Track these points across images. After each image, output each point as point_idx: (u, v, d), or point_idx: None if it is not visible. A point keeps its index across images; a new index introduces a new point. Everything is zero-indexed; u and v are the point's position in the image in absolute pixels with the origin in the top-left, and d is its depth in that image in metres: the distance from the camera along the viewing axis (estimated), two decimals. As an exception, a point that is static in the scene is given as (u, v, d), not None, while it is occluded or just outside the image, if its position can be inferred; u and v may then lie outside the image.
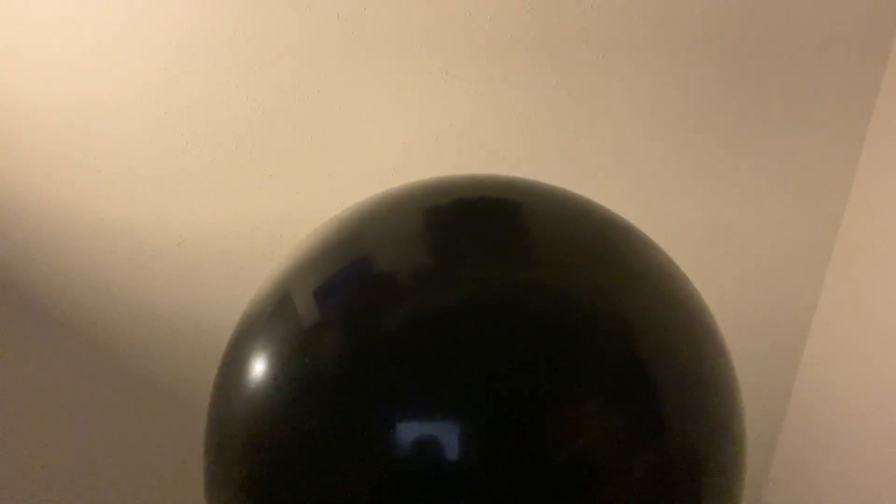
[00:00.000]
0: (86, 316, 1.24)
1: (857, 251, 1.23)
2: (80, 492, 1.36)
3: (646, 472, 0.48)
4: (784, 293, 1.32)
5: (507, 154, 1.20)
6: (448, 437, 0.44)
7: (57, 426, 1.31)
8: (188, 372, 1.30)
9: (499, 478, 0.44)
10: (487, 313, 0.49)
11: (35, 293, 1.21)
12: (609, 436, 0.47)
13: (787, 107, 1.19)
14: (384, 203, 0.61)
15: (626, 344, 0.51)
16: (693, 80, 1.17)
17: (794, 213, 1.26)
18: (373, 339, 0.49)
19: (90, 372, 1.28)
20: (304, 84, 1.13)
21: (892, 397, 1.13)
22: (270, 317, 0.55)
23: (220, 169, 1.17)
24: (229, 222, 1.21)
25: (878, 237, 1.18)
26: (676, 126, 1.20)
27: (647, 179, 1.23)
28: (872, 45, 1.15)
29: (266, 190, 1.19)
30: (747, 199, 1.25)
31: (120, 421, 1.32)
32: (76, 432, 1.32)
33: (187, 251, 1.22)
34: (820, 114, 1.19)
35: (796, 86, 1.18)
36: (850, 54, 1.15)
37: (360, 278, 0.54)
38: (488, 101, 1.16)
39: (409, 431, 0.45)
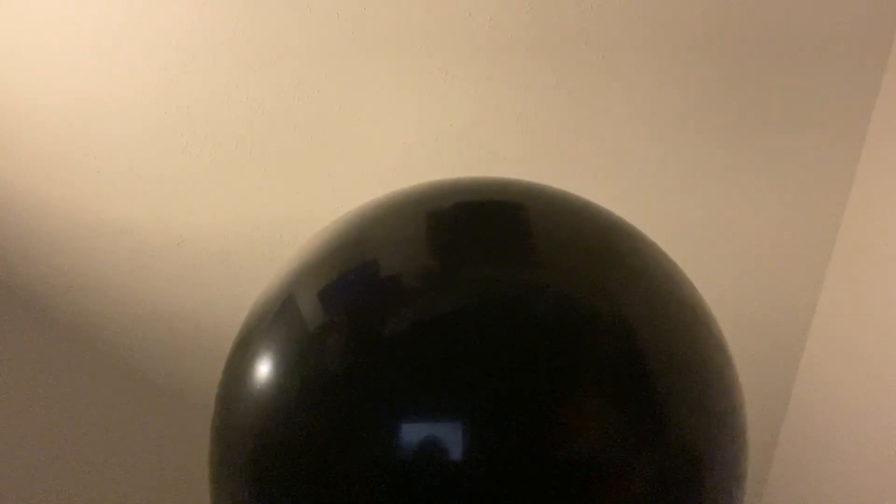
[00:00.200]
0: (86, 316, 1.24)
1: (857, 251, 1.23)
2: (81, 492, 1.36)
3: (647, 472, 0.48)
4: (784, 293, 1.32)
5: (508, 154, 1.20)
6: (451, 437, 0.45)
7: (57, 426, 1.31)
8: (188, 372, 1.30)
9: (501, 478, 0.45)
10: (490, 315, 0.49)
11: (35, 293, 1.21)
12: (611, 436, 0.47)
13: (787, 107, 1.19)
14: (388, 205, 0.62)
15: (628, 345, 0.51)
16: (693, 80, 1.17)
17: (794, 213, 1.26)
18: (377, 340, 0.50)
19: (90, 372, 1.28)
20: (304, 84, 1.13)
21: (892, 397, 1.13)
22: (275, 318, 0.56)
23: (220, 169, 1.17)
24: (229, 222, 1.21)
25: (878, 237, 1.18)
26: (676, 126, 1.20)
27: (646, 179, 1.23)
28: (872, 45, 1.15)
29: (266, 190, 1.19)
30: (747, 199, 1.25)
31: (120, 421, 1.32)
32: (76, 432, 1.32)
33: (187, 251, 1.22)
34: (820, 114, 1.19)
35: (796, 86, 1.18)
36: (850, 54, 1.15)
37: (364, 280, 0.54)
38: (488, 101, 1.16)
39: (412, 432, 0.45)
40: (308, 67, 1.12)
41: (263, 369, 0.53)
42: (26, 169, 1.13)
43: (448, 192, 0.63)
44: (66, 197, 1.15)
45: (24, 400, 1.27)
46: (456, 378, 0.47)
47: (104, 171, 1.15)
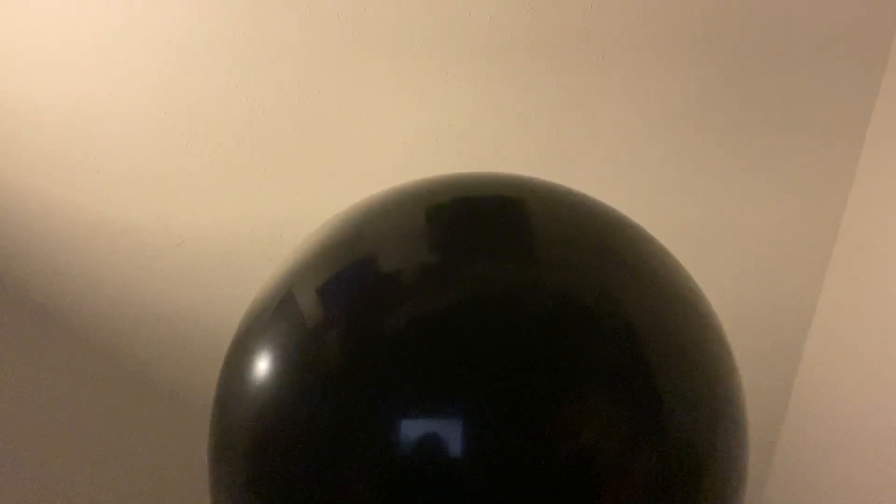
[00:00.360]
0: (86, 316, 1.24)
1: (857, 251, 1.23)
2: (81, 492, 1.36)
3: (648, 469, 0.48)
4: (784, 293, 1.32)
5: (507, 154, 1.20)
6: (451, 434, 0.45)
7: (57, 426, 1.31)
8: (188, 372, 1.30)
9: (501, 474, 0.45)
10: (490, 312, 0.49)
11: (35, 293, 1.21)
12: (611, 433, 0.47)
13: (787, 107, 1.19)
14: (389, 201, 0.62)
15: (628, 342, 0.51)
16: (693, 81, 1.17)
17: (794, 213, 1.26)
18: (376, 336, 0.50)
19: (90, 372, 1.28)
20: (304, 84, 1.13)
21: (892, 397, 1.13)
22: (274, 315, 0.56)
23: (220, 169, 1.17)
24: (229, 222, 1.21)
25: (878, 237, 1.18)
26: (676, 126, 1.20)
27: (646, 179, 1.23)
28: (872, 45, 1.15)
29: (266, 190, 1.19)
30: (747, 199, 1.25)
31: (120, 421, 1.32)
32: (76, 432, 1.32)
33: (187, 251, 1.22)
34: (820, 114, 1.19)
35: (796, 86, 1.18)
36: (850, 54, 1.15)
37: (363, 276, 0.54)
38: (488, 101, 1.16)
39: (411, 429, 0.45)
40: (308, 67, 1.12)
41: (262, 366, 0.53)
42: (26, 169, 1.13)
43: (448, 187, 0.63)
44: (66, 197, 1.15)
45: (24, 400, 1.27)
46: (455, 375, 0.47)
47: (104, 171, 1.15)
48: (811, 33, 1.14)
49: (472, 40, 1.12)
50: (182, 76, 1.10)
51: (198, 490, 1.36)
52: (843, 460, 1.24)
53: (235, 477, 0.54)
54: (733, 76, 1.17)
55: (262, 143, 1.16)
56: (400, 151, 1.19)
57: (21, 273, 1.19)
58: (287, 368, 0.52)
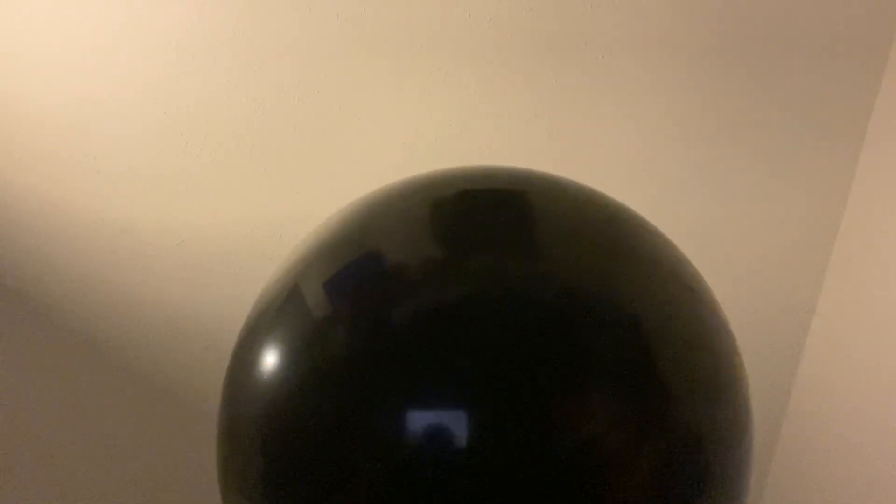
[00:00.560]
0: (86, 316, 1.24)
1: (857, 251, 1.23)
2: (81, 492, 1.36)
3: (653, 461, 0.48)
4: (784, 293, 1.32)
5: (508, 154, 1.20)
6: (458, 426, 0.45)
7: (57, 426, 1.31)
8: (188, 372, 1.30)
9: (506, 465, 0.45)
10: (496, 305, 0.50)
11: (34, 293, 1.21)
12: (616, 426, 0.48)
13: (786, 106, 1.19)
14: (393, 195, 0.62)
15: (633, 334, 0.51)
16: (692, 81, 1.17)
17: (793, 212, 1.26)
18: (383, 329, 0.50)
19: (90, 372, 1.28)
20: (304, 84, 1.13)
21: (892, 397, 1.13)
22: (282, 307, 0.56)
23: (220, 169, 1.17)
24: (229, 222, 1.21)
25: (878, 237, 1.18)
26: (675, 126, 1.20)
27: (645, 180, 1.23)
28: (872, 45, 1.15)
29: (266, 190, 1.19)
30: (747, 198, 1.25)
31: (120, 421, 1.32)
32: (76, 432, 1.32)
33: (187, 251, 1.22)
34: (820, 114, 1.19)
35: (796, 86, 1.18)
36: (850, 54, 1.15)
37: (369, 269, 0.54)
38: (488, 101, 1.16)
39: (418, 421, 0.45)
40: (308, 67, 1.12)
41: (270, 359, 0.53)
42: (26, 169, 1.13)
43: (453, 180, 0.63)
44: (66, 197, 1.15)
45: (24, 400, 1.27)
46: (461, 367, 0.47)
47: (104, 171, 1.15)
48: (811, 33, 1.14)
49: (472, 40, 1.12)
50: (182, 76, 1.10)
51: (198, 490, 1.36)
52: (842, 461, 1.24)
53: (245, 469, 0.54)
54: (733, 76, 1.17)
55: (262, 143, 1.16)
56: (400, 151, 1.19)
57: (21, 273, 1.19)
58: (295, 361, 0.52)
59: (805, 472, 1.35)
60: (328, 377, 0.50)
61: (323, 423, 0.49)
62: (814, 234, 1.28)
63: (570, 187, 0.63)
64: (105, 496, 1.37)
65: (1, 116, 1.09)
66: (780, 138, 1.21)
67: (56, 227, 1.17)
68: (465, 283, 0.51)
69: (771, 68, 1.17)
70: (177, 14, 1.07)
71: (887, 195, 1.16)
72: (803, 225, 1.27)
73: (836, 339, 1.28)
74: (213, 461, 0.59)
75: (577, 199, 0.62)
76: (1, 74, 1.07)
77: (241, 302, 0.63)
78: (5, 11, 1.04)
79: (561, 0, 1.11)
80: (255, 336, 0.57)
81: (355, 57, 1.12)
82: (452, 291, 0.51)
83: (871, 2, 1.12)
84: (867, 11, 1.13)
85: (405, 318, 0.50)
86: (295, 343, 0.53)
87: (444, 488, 0.45)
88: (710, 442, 0.52)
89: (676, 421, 0.50)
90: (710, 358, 0.54)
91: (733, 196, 1.25)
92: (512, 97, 1.16)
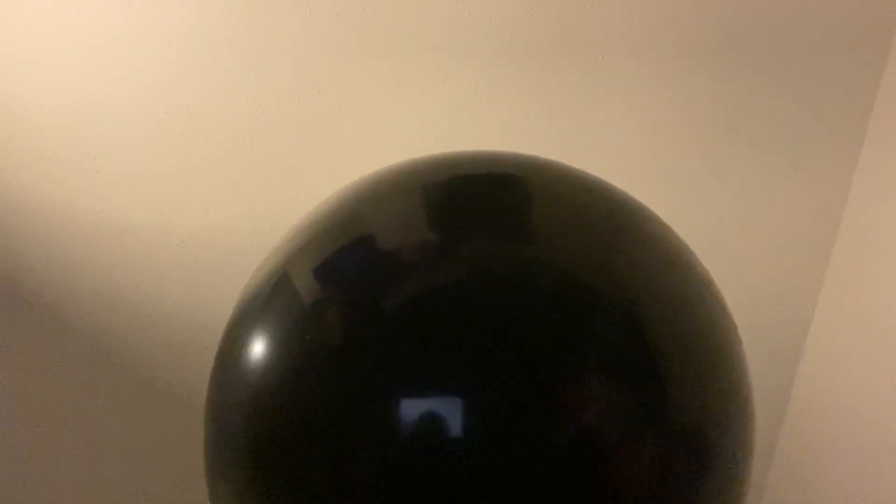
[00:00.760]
0: (86, 316, 1.24)
1: (857, 251, 1.23)
2: (81, 492, 1.36)
3: (652, 449, 0.48)
4: (784, 293, 1.32)
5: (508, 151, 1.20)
6: (450, 411, 0.44)
7: (57, 426, 1.30)
8: (188, 372, 1.30)
9: (500, 452, 0.44)
10: (490, 290, 0.49)
11: (35, 293, 1.21)
12: (614, 410, 0.47)
13: (786, 107, 1.19)
14: (385, 180, 0.61)
15: (631, 319, 0.50)
16: (692, 81, 1.17)
17: (794, 212, 1.26)
18: (375, 314, 0.49)
19: (90, 372, 1.28)
20: (304, 84, 1.13)
21: (892, 397, 1.13)
22: (272, 293, 0.55)
23: (221, 169, 1.17)
24: (229, 222, 1.21)
25: (878, 237, 1.18)
26: (675, 126, 1.20)
27: (645, 179, 1.23)
28: (872, 45, 1.15)
29: (266, 190, 1.19)
30: (746, 198, 1.25)
31: (119, 421, 1.32)
32: (76, 432, 1.32)
33: (187, 251, 1.22)
34: (820, 114, 1.19)
35: (796, 85, 1.17)
36: (850, 54, 1.15)
37: (362, 254, 0.54)
38: (488, 101, 1.16)
39: (411, 407, 0.45)
40: (308, 67, 1.12)
41: (259, 348, 0.52)
42: (26, 169, 1.13)
43: (446, 165, 0.62)
44: (66, 197, 1.15)
45: (24, 400, 1.27)
46: (456, 354, 0.46)
47: (104, 171, 1.15)
48: (811, 33, 1.14)
49: (472, 40, 1.12)
50: (182, 76, 1.10)
51: (199, 490, 1.36)
52: (842, 461, 1.24)
53: (234, 459, 0.53)
54: (732, 76, 1.17)
55: (262, 143, 1.16)
56: (400, 151, 1.18)
57: (21, 273, 1.19)
58: (285, 349, 0.51)
59: (805, 472, 1.34)
60: (319, 364, 0.49)
61: (314, 411, 0.48)
62: (814, 233, 1.28)
63: (568, 173, 0.62)
64: (104, 496, 1.37)
65: (1, 116, 1.09)
66: (779, 138, 1.21)
67: (56, 227, 1.17)
68: (459, 269, 0.50)
69: (770, 68, 1.16)
70: (177, 14, 1.07)
71: (887, 195, 1.16)
72: (803, 225, 1.27)
73: (836, 339, 1.28)
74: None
75: (574, 183, 0.61)
76: (1, 74, 1.07)
77: (241, 302, 0.63)
78: (5, 11, 1.04)
79: (561, 1, 1.11)
80: (243, 326, 0.56)
81: (355, 57, 1.12)
82: (447, 277, 0.50)
83: (871, 2, 1.12)
84: (867, 11, 1.13)
85: (399, 303, 0.49)
86: (285, 330, 0.52)
87: (439, 476, 0.45)
88: (711, 428, 0.51)
89: (676, 407, 0.49)
90: (712, 350, 0.54)
91: (733, 196, 1.25)
92: (512, 97, 1.16)
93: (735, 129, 1.21)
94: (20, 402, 1.27)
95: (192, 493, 1.36)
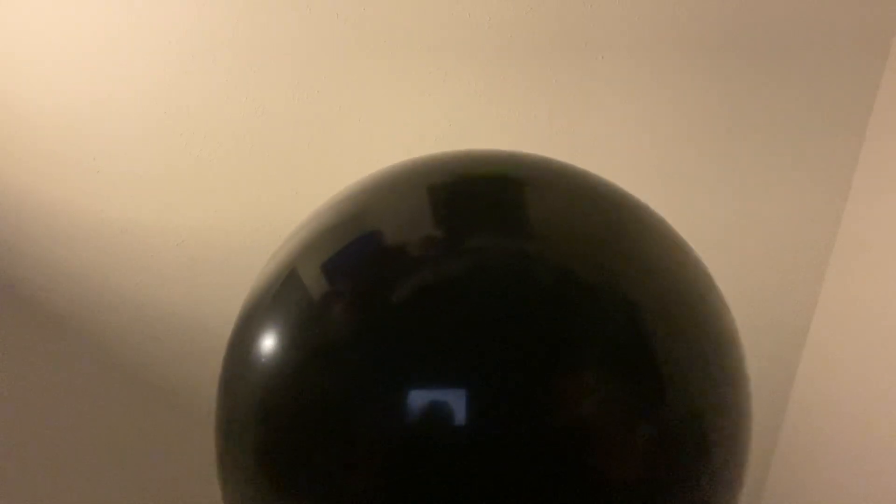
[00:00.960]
0: (86, 316, 1.24)
1: (857, 251, 1.23)
2: (80, 492, 1.36)
3: (648, 440, 0.49)
4: (784, 293, 1.32)
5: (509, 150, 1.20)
6: (455, 403, 0.45)
7: (57, 426, 1.31)
8: (188, 372, 1.30)
9: (503, 442, 0.45)
10: (493, 284, 0.50)
11: (35, 293, 1.21)
12: (611, 401, 0.48)
13: (786, 107, 1.19)
14: (390, 178, 0.62)
15: (628, 311, 0.52)
16: (691, 81, 1.17)
17: (794, 212, 1.26)
18: (381, 309, 0.51)
19: (90, 372, 1.28)
20: (304, 84, 1.13)
21: (891, 399, 1.13)
22: (280, 290, 0.56)
23: (221, 169, 1.17)
24: (229, 222, 1.21)
25: (878, 237, 1.18)
26: (675, 126, 1.20)
27: (644, 179, 1.23)
28: (872, 45, 1.15)
29: (266, 190, 1.19)
30: (746, 198, 1.25)
31: (119, 421, 1.32)
32: (76, 432, 1.32)
33: (187, 251, 1.22)
34: (819, 113, 1.19)
35: (796, 85, 1.18)
36: (850, 54, 1.15)
37: (367, 250, 0.55)
38: (488, 101, 1.16)
39: (416, 398, 0.46)
40: (308, 67, 1.12)
41: (268, 341, 0.54)
42: (26, 169, 1.13)
43: (450, 164, 0.64)
44: (66, 197, 1.15)
45: (24, 400, 1.27)
46: (458, 347, 0.47)
47: (104, 171, 1.15)
48: (811, 33, 1.14)
49: (472, 40, 1.12)
50: (182, 76, 1.10)
51: (199, 490, 1.36)
52: (842, 461, 1.24)
53: (243, 450, 0.55)
54: (732, 76, 1.17)
55: (262, 143, 1.16)
56: (400, 151, 1.18)
57: (21, 273, 1.19)
58: (293, 342, 0.53)
59: (805, 472, 1.35)
60: (325, 357, 0.50)
61: (320, 402, 0.49)
62: (814, 234, 1.28)
63: (567, 170, 0.63)
64: (105, 496, 1.37)
65: (1, 116, 1.09)
66: (779, 138, 1.21)
67: (56, 227, 1.17)
68: (462, 264, 0.52)
69: (770, 68, 1.17)
70: (177, 14, 1.07)
71: (887, 195, 1.16)
72: (803, 225, 1.27)
73: (836, 339, 1.28)
74: (213, 460, 0.59)
75: (574, 181, 0.62)
76: (1, 74, 1.07)
77: (240, 302, 0.64)
78: (5, 11, 1.04)
79: (561, 0, 1.11)
80: (253, 320, 0.57)
81: (355, 57, 1.12)
82: (451, 272, 0.51)
83: (871, 2, 1.12)
84: (867, 11, 1.13)
85: (403, 299, 0.51)
86: (294, 323, 0.54)
87: (442, 465, 0.46)
88: (709, 415, 0.52)
89: (673, 396, 0.50)
90: (708, 343, 0.55)
91: (733, 195, 1.25)
92: (512, 97, 1.16)
93: (735, 129, 1.21)
94: (20, 401, 1.27)
95: (192, 492, 1.36)
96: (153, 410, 1.32)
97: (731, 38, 1.14)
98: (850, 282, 1.25)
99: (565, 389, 0.47)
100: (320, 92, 1.14)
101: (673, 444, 0.50)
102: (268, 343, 0.54)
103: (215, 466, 0.59)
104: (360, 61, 1.12)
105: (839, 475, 1.25)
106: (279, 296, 0.56)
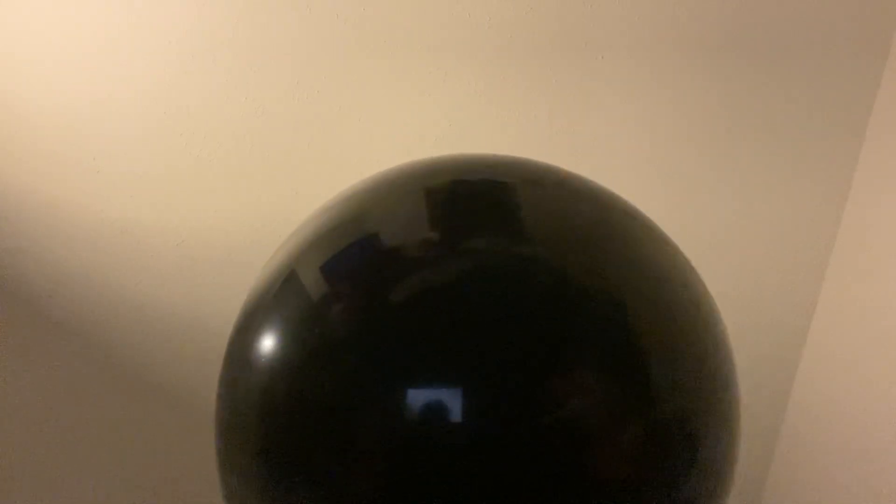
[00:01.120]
0: (86, 316, 1.24)
1: (857, 251, 1.23)
2: (80, 492, 1.36)
3: (638, 439, 0.50)
4: (784, 293, 1.32)
5: (507, 154, 1.20)
6: (453, 402, 0.46)
7: (56, 426, 1.31)
8: (188, 372, 1.30)
9: (500, 441, 0.46)
10: (490, 286, 0.51)
11: (35, 293, 1.21)
12: (602, 404, 0.49)
13: (786, 107, 1.19)
14: (388, 181, 0.63)
15: (620, 315, 0.53)
16: (691, 81, 1.17)
17: (794, 212, 1.26)
18: (381, 309, 0.51)
19: (90, 372, 1.28)
20: (304, 84, 1.13)
21: (891, 399, 1.13)
22: (280, 290, 0.57)
23: (221, 169, 1.17)
24: (229, 222, 1.21)
25: (878, 237, 1.18)
26: (675, 126, 1.20)
27: (644, 180, 1.23)
28: (872, 45, 1.15)
29: (266, 190, 1.19)
30: (746, 199, 1.25)
31: (120, 421, 1.33)
32: (76, 432, 1.32)
33: (187, 251, 1.22)
34: (819, 114, 1.19)
35: (796, 85, 1.18)
36: (850, 54, 1.15)
37: (367, 251, 0.56)
38: (488, 101, 1.16)
39: (415, 398, 0.47)
40: (308, 67, 1.12)
41: (268, 341, 0.54)
42: (26, 169, 1.13)
43: (449, 167, 0.65)
44: (66, 197, 1.15)
45: (24, 400, 1.27)
46: (455, 347, 0.48)
47: (104, 171, 1.15)
48: (811, 33, 1.14)
49: (472, 40, 1.12)
50: (182, 76, 1.10)
51: (199, 490, 1.36)
52: (842, 461, 1.24)
53: (243, 450, 0.55)
54: (732, 76, 1.17)
55: (262, 143, 1.16)
56: (400, 151, 1.19)
57: (21, 273, 1.19)
58: (293, 342, 0.53)
59: (805, 472, 1.35)
60: (325, 357, 0.51)
61: (320, 402, 0.50)
62: (814, 234, 1.28)
63: (562, 175, 0.65)
64: (105, 496, 1.37)
65: (1, 116, 1.09)
66: (779, 138, 1.21)
67: (56, 227, 1.17)
68: (460, 266, 0.53)
69: (770, 68, 1.17)
70: (177, 14, 1.07)
71: (887, 195, 1.16)
72: (803, 225, 1.27)
73: (836, 339, 1.28)
74: (213, 460, 0.60)
75: (569, 187, 0.64)
76: (1, 74, 1.07)
77: (241, 301, 0.64)
78: (5, 11, 1.04)
79: (561, 0, 1.11)
80: (253, 320, 0.58)
81: (355, 57, 1.12)
82: (448, 273, 0.52)
83: (871, 2, 1.12)
84: (867, 11, 1.13)
85: (402, 299, 0.52)
86: (294, 324, 0.54)
87: (440, 463, 0.47)
88: (696, 414, 0.53)
89: (662, 396, 0.51)
90: (697, 345, 0.56)
91: (732, 195, 1.25)
92: (512, 97, 1.16)
93: (735, 130, 1.21)
94: (20, 401, 1.27)
95: (192, 492, 1.36)
96: (153, 410, 1.32)
97: (731, 38, 1.14)
98: (850, 282, 1.25)
99: (561, 389, 0.48)
100: (320, 92, 1.14)
101: (663, 444, 0.51)
102: (268, 343, 0.54)
103: (215, 466, 0.59)
104: (360, 61, 1.12)
105: (839, 475, 1.25)
106: (279, 296, 0.57)
